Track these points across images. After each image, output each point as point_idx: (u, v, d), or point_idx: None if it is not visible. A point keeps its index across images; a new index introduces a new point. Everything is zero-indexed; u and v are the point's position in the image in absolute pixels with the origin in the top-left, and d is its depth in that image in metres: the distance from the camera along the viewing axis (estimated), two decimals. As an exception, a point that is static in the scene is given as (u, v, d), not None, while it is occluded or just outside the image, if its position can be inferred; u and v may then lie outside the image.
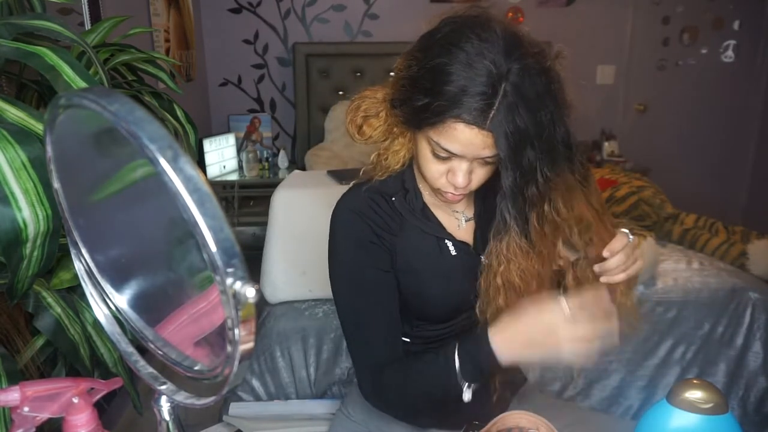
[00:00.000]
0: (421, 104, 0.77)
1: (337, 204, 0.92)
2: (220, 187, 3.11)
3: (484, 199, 0.94)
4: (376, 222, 0.89)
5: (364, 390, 0.93)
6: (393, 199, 0.91)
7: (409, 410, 0.92)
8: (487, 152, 0.77)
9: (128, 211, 0.50)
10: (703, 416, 0.63)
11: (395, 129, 0.87)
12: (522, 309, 0.78)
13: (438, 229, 0.92)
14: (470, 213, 0.95)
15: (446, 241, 0.92)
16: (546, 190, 0.81)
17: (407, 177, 0.92)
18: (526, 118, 0.74)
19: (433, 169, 0.83)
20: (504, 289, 0.86)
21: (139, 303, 0.54)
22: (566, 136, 0.80)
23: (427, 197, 0.93)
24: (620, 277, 0.82)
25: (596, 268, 0.84)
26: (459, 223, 0.94)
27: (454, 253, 0.92)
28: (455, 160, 0.80)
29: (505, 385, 1.06)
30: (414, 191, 0.92)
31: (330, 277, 0.93)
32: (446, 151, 0.79)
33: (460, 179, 0.81)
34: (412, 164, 0.92)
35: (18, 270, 0.85)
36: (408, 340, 0.97)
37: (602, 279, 0.83)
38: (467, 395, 0.81)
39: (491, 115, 0.73)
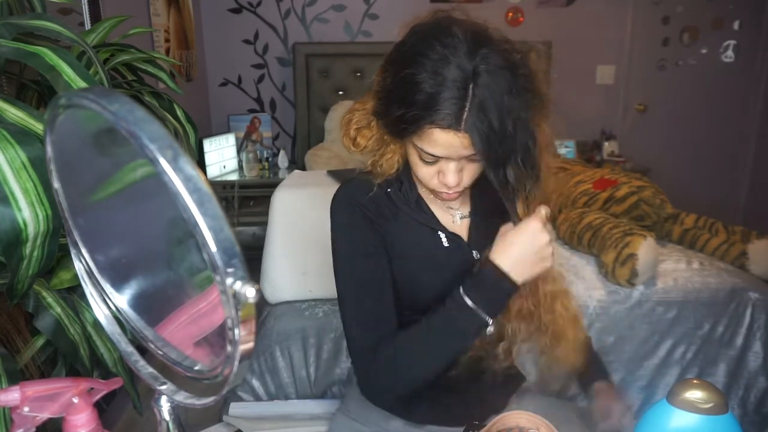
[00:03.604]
0: (397, 115, 0.79)
1: (335, 192, 0.95)
2: (220, 187, 3.11)
3: (479, 196, 0.96)
4: (370, 208, 0.92)
5: (358, 374, 0.94)
6: (389, 190, 0.94)
7: (414, 377, 0.89)
8: (470, 151, 0.79)
9: (128, 211, 0.50)
10: (703, 416, 0.63)
11: (385, 137, 0.89)
12: (510, 232, 0.83)
13: (431, 220, 0.94)
14: (465, 210, 0.97)
15: (439, 232, 0.94)
16: (530, 178, 0.82)
17: (403, 171, 0.94)
18: (497, 114, 0.75)
19: (425, 172, 0.85)
20: None
21: (139, 303, 0.54)
22: (527, 139, 0.80)
23: (422, 190, 0.95)
24: None
25: None
26: (454, 219, 0.96)
27: (446, 244, 0.94)
28: (443, 162, 0.83)
29: (506, 385, 1.07)
30: (409, 183, 0.94)
31: (333, 263, 0.94)
32: (431, 155, 0.81)
33: (450, 179, 0.83)
34: (408, 161, 0.93)
35: (18, 270, 0.85)
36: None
37: None
38: (491, 328, 0.85)
39: (464, 117, 0.75)
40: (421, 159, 0.83)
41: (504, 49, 0.77)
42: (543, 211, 0.82)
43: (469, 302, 0.83)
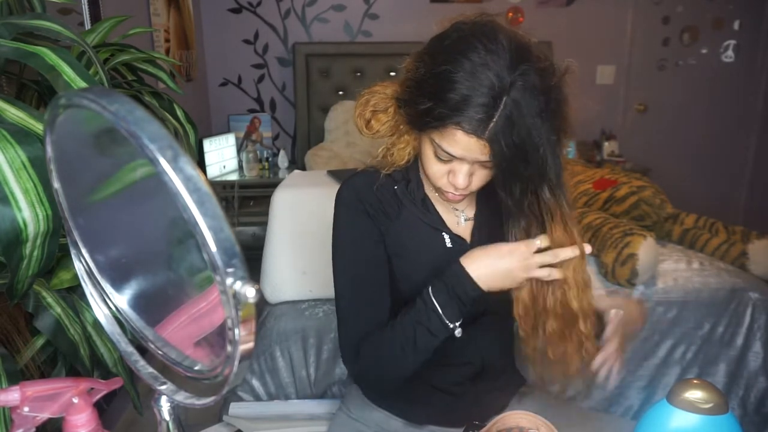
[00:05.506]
0: (425, 108, 0.78)
1: (341, 184, 0.96)
2: (220, 187, 3.11)
3: (485, 199, 0.95)
4: (373, 205, 0.92)
5: (346, 362, 0.96)
6: (395, 187, 0.94)
7: (391, 371, 0.92)
8: (487, 157, 0.79)
9: (128, 211, 0.50)
10: (703, 416, 0.63)
11: (401, 126, 0.89)
12: (494, 245, 0.84)
13: (436, 220, 0.94)
14: (471, 213, 0.96)
15: (442, 233, 0.94)
16: (560, 202, 0.82)
17: (411, 168, 0.95)
18: (522, 133, 0.75)
19: (435, 169, 0.84)
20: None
21: (139, 303, 0.54)
22: (555, 164, 0.79)
23: (429, 189, 0.95)
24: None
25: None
26: (458, 221, 0.96)
27: (449, 245, 0.93)
28: (456, 162, 0.82)
29: (506, 385, 1.07)
30: (417, 182, 0.94)
31: (332, 253, 0.95)
32: (447, 153, 0.81)
33: (460, 180, 0.82)
34: (417, 158, 0.93)
35: (18, 270, 0.85)
36: None
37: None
38: (458, 332, 0.86)
39: (490, 126, 0.75)
40: (436, 155, 0.83)
41: (543, 69, 0.77)
42: (538, 241, 0.82)
43: (436, 305, 0.84)
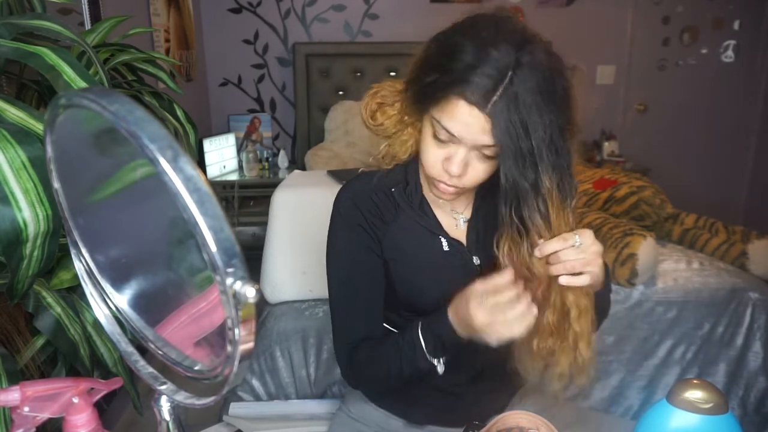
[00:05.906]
0: (429, 80, 0.78)
1: (340, 188, 0.96)
2: (220, 187, 3.11)
3: (482, 200, 0.95)
4: (371, 210, 0.92)
5: (340, 367, 0.98)
6: (393, 190, 0.93)
7: (380, 385, 0.97)
8: (486, 139, 0.76)
9: (128, 211, 0.50)
10: (703, 416, 0.63)
11: (406, 117, 0.88)
12: (468, 294, 0.79)
13: (433, 224, 0.93)
14: (469, 215, 0.96)
15: (440, 237, 0.93)
16: (540, 189, 0.78)
17: (410, 170, 0.94)
18: (525, 113, 0.73)
19: (432, 155, 0.82)
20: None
21: (139, 303, 0.54)
22: (560, 148, 0.77)
23: (427, 193, 0.94)
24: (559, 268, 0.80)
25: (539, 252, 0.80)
26: (457, 223, 0.95)
27: (446, 249, 0.93)
28: (453, 147, 0.80)
29: (506, 385, 1.07)
30: (415, 184, 0.93)
31: (326, 257, 0.96)
32: (446, 131, 0.78)
33: (454, 166, 0.79)
34: (417, 158, 0.93)
35: (18, 270, 0.85)
36: (396, 331, 0.98)
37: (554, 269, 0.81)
38: (440, 368, 0.87)
39: (493, 100, 0.73)
40: (435, 137, 0.80)
41: (551, 53, 0.77)
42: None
43: (421, 341, 0.86)
